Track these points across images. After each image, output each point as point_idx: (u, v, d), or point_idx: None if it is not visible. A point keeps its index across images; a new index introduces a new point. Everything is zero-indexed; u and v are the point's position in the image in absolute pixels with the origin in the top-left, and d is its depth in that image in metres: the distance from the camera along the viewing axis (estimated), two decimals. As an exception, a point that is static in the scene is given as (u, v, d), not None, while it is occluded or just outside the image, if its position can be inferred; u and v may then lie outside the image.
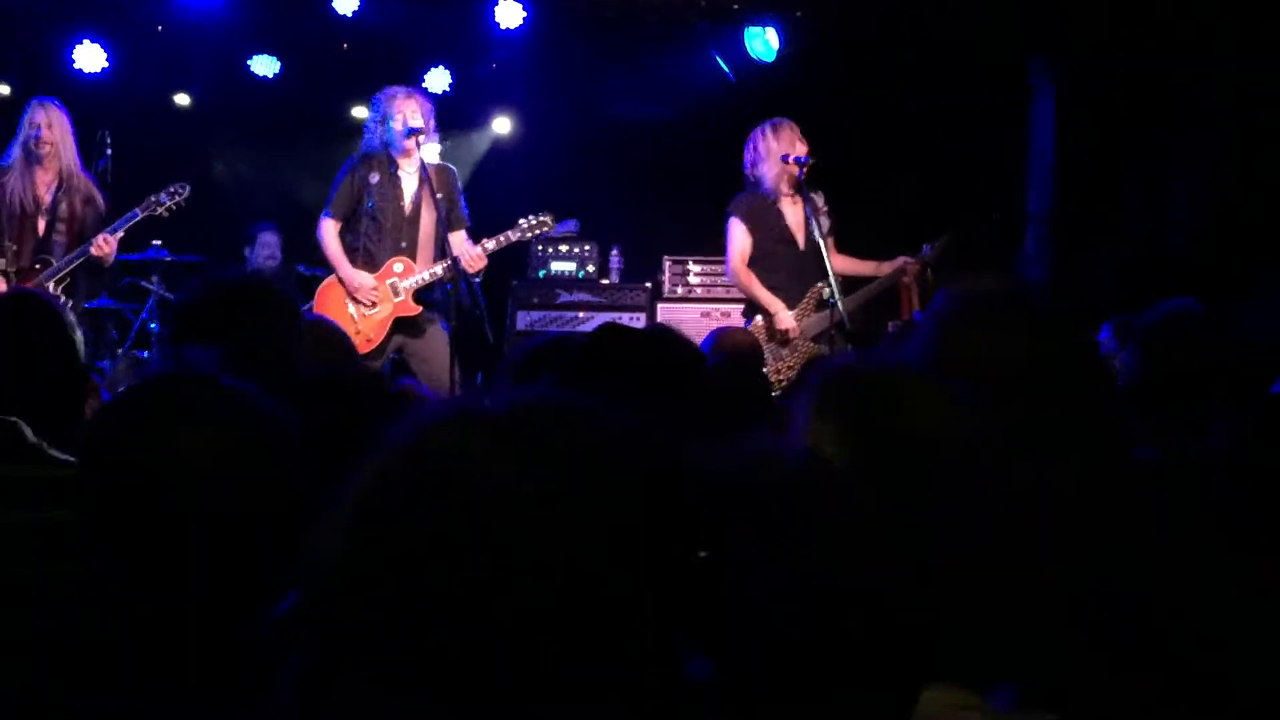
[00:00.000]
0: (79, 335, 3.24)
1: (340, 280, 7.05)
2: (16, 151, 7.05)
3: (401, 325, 7.09)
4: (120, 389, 2.02)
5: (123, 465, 1.81)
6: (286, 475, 1.85)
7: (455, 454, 1.01)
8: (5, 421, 2.42)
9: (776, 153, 7.25)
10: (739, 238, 7.38)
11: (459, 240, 7.04)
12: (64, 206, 7.08)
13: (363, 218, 7.06)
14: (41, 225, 7.06)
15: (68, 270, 7.01)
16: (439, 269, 6.97)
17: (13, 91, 8.44)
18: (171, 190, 7.27)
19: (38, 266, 7.01)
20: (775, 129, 7.30)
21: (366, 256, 7.07)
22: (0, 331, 3.23)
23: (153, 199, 7.24)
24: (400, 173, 7.07)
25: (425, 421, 1.05)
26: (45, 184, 7.08)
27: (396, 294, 7.00)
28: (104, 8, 8.22)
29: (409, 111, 6.97)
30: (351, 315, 6.99)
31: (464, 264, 6.90)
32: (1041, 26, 8.13)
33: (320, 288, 7.21)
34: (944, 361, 1.91)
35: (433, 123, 7.09)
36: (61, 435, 3.23)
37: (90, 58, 8.51)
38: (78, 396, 3.39)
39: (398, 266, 7.03)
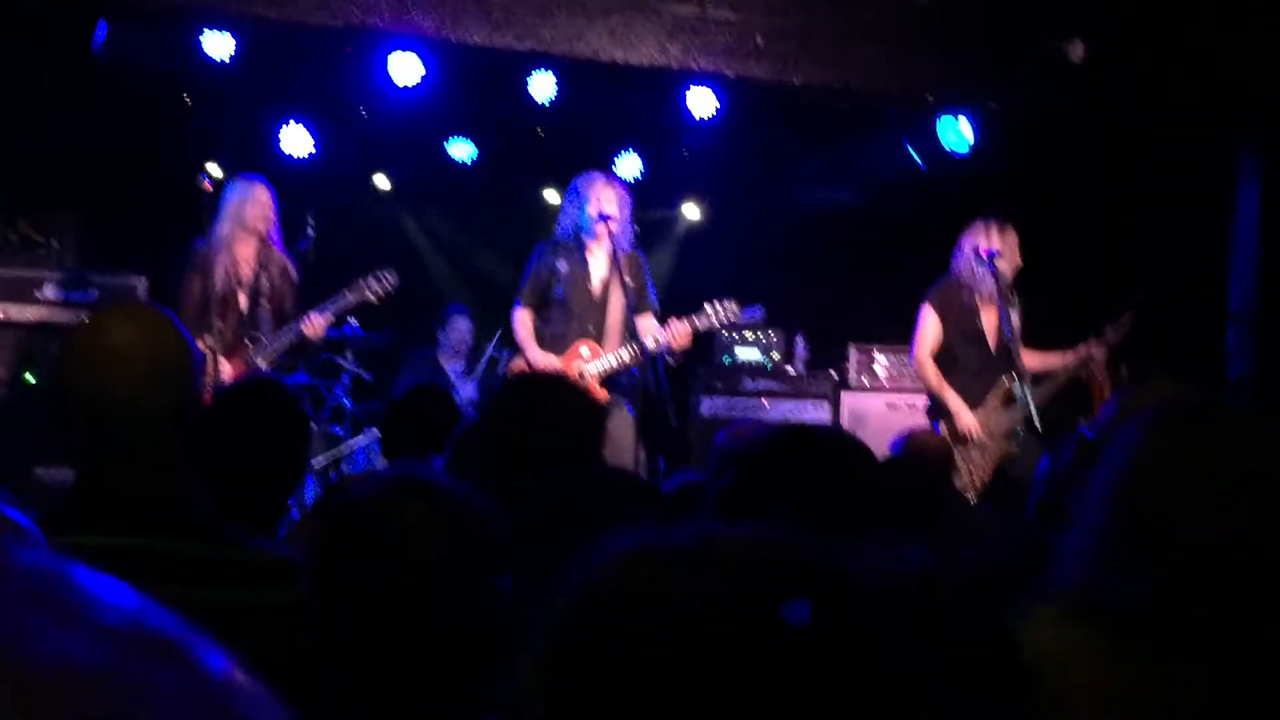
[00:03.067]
0: (311, 428, 3.39)
1: (527, 363, 7.15)
2: (226, 228, 7.11)
3: None
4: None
5: (351, 555, 1.90)
6: (495, 569, 1.92)
7: (640, 587, 1.06)
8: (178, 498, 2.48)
9: (975, 248, 7.13)
10: (929, 327, 7.27)
11: (648, 325, 7.10)
12: (264, 281, 7.19)
13: (552, 304, 7.14)
14: (244, 301, 7.16)
15: (280, 348, 7.18)
16: (625, 354, 7.02)
17: (225, 171, 8.78)
18: (379, 275, 7.35)
19: (247, 343, 7.17)
20: (984, 225, 7.20)
21: (555, 341, 7.11)
22: (234, 416, 3.40)
23: (362, 283, 7.31)
24: (589, 257, 7.13)
25: (609, 555, 1.11)
26: (246, 259, 7.19)
27: (582, 377, 7.06)
28: (310, 91, 8.53)
29: (604, 197, 7.05)
30: None
31: (670, 340, 6.93)
32: (1249, 115, 7.95)
33: (506, 370, 7.32)
34: (1135, 482, 1.85)
35: (627, 211, 7.17)
36: (270, 521, 3.36)
37: (297, 141, 8.82)
38: (294, 487, 3.55)
39: (584, 350, 7.09)
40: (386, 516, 1.92)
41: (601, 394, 6.95)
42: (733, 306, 7.09)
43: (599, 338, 7.11)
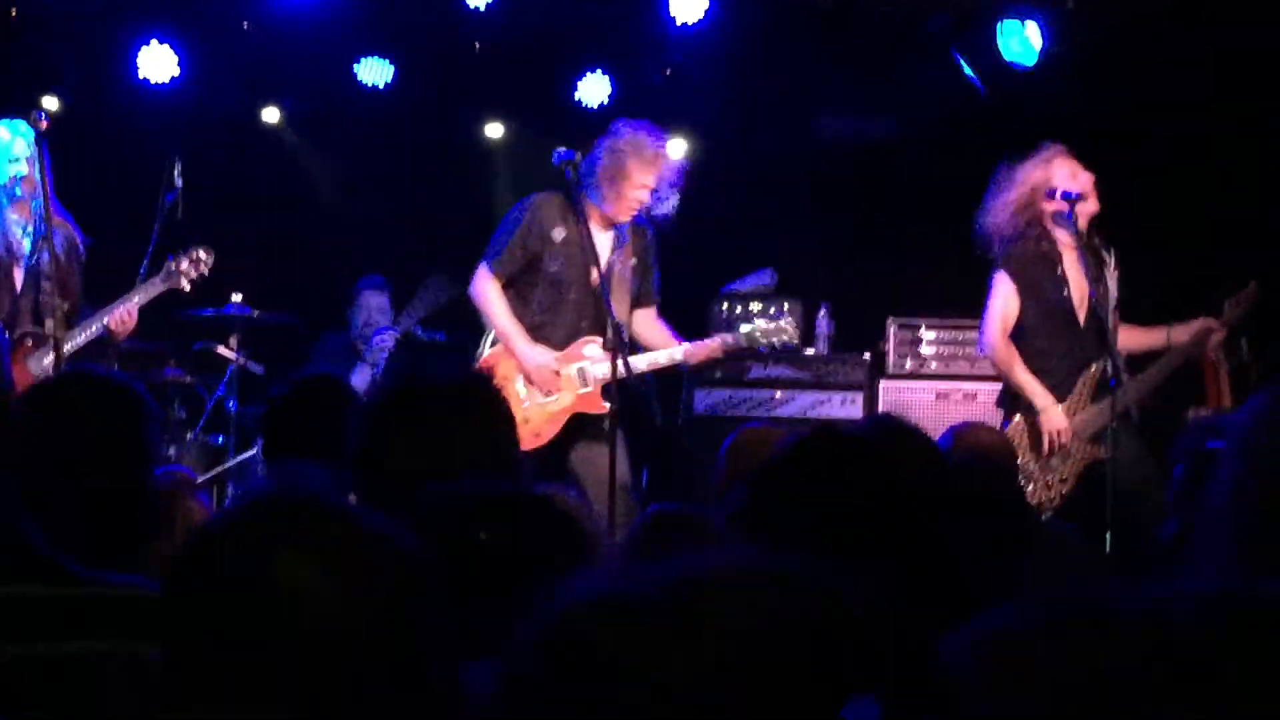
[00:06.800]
0: (151, 429, 3.33)
1: (514, 353, 7.04)
2: None
3: (577, 421, 7.06)
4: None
5: (214, 603, 1.85)
6: (411, 616, 1.88)
7: (597, 649, 1.03)
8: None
9: (1041, 187, 7.05)
10: (1004, 301, 7.25)
11: (648, 322, 7.11)
12: (45, 255, 7.02)
13: (539, 282, 7.07)
14: (19, 278, 7.14)
15: (76, 349, 7.02)
16: (644, 362, 7.01)
17: (64, 105, 8.70)
18: (191, 253, 7.37)
19: (29, 343, 7.08)
20: (1049, 156, 7.11)
21: (539, 332, 7.08)
22: (49, 422, 3.35)
23: (172, 267, 7.33)
24: (594, 227, 6.98)
25: (562, 610, 1.07)
26: (18, 226, 7.16)
27: (585, 383, 6.96)
28: (177, 3, 8.48)
29: (659, 178, 7.02)
30: (520, 399, 6.89)
31: (707, 354, 7.03)
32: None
33: (487, 357, 7.22)
34: (1257, 504, 1.83)
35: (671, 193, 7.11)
36: (119, 552, 3.33)
37: (158, 64, 8.76)
38: (141, 506, 3.50)
39: (589, 350, 7.05)
40: (254, 573, 1.84)
41: (603, 408, 6.81)
42: (787, 327, 7.20)
43: (599, 334, 7.04)
